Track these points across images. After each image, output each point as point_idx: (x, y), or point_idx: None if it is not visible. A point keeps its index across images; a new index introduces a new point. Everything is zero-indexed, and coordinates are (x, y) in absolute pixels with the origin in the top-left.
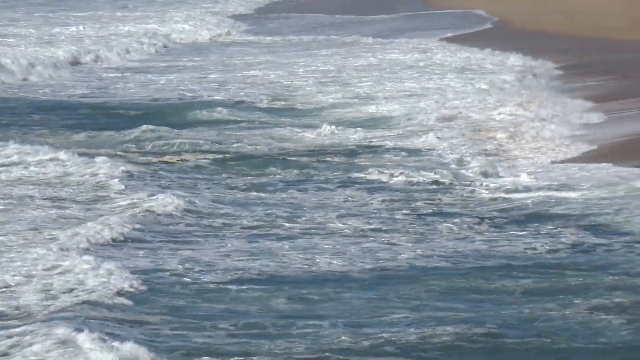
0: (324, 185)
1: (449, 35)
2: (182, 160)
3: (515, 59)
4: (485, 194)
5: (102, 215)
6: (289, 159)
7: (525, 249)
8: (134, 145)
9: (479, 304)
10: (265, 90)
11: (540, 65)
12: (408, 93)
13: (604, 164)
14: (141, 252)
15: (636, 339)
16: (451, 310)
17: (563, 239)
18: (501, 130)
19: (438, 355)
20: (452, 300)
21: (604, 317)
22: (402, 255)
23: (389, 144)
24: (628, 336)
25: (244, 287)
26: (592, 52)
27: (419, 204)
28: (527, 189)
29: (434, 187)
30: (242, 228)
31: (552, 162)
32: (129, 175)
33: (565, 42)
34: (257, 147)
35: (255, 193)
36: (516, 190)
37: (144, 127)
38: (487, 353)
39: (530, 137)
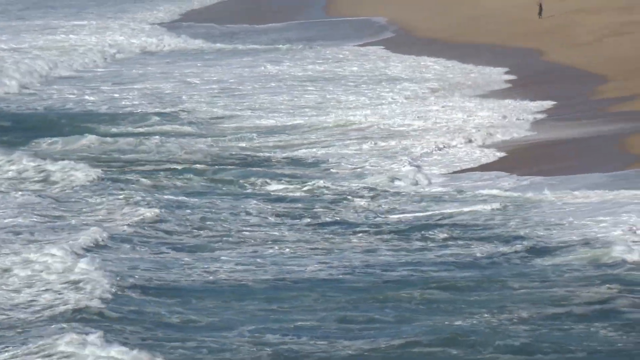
0: (221, 197)
1: (355, 44)
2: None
3: (425, 66)
4: (388, 204)
5: None
6: (184, 167)
7: (427, 259)
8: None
9: (382, 312)
10: (157, 101)
11: (451, 73)
12: (311, 104)
13: (504, 173)
14: None
15: (537, 347)
16: (354, 321)
17: (461, 250)
18: (409, 138)
19: None
20: (355, 310)
21: (509, 326)
22: (306, 266)
23: (288, 154)
24: (530, 345)
25: (147, 298)
26: (497, 58)
27: (320, 214)
28: (429, 198)
29: (336, 197)
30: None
31: (456, 172)
32: None
33: (468, 49)
34: (148, 155)
35: (157, 203)
36: (419, 200)
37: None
38: None
39: (436, 146)
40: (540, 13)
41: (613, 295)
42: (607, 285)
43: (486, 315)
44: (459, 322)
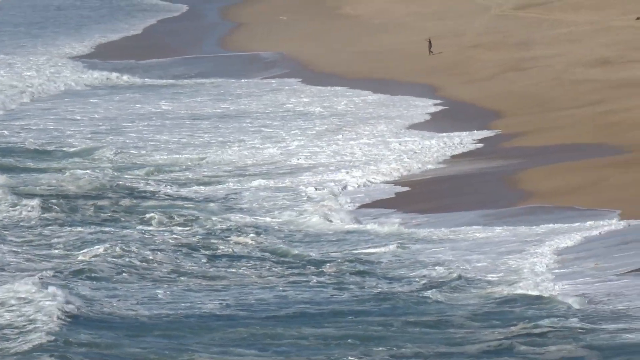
0: (104, 229)
1: (252, 79)
2: None
3: (328, 100)
4: (283, 240)
5: None
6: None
7: (323, 296)
8: None
9: (278, 349)
10: (36, 135)
11: (349, 108)
12: (204, 140)
13: (401, 209)
14: None
15: None
16: (249, 356)
17: (357, 288)
18: (308, 174)
19: None
20: (250, 347)
21: None
22: (201, 301)
23: (182, 190)
24: None
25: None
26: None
27: (215, 250)
28: (327, 235)
29: (230, 228)
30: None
31: (359, 207)
32: None
33: (365, 84)
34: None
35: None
36: (316, 236)
37: None
38: None
39: (339, 181)
40: (430, 49)
41: (508, 334)
42: (501, 323)
43: (385, 351)
44: (360, 357)
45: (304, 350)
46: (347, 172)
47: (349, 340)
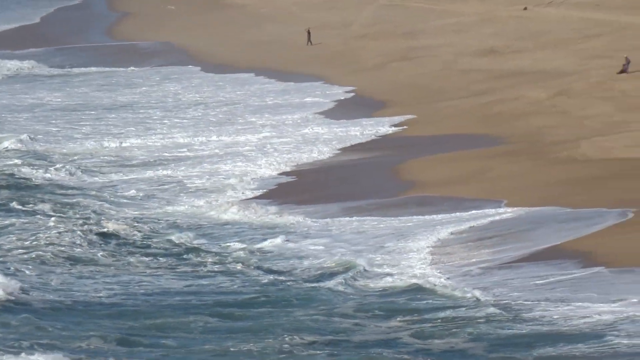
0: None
1: (140, 68)
2: None
3: (221, 89)
4: (172, 230)
5: None
6: None
7: (209, 287)
8: None
9: (163, 340)
10: None
11: (242, 97)
12: (84, 131)
13: (288, 200)
14: None
15: None
16: (140, 344)
17: (245, 278)
18: (196, 164)
19: None
20: (139, 335)
21: (301, 351)
22: (91, 288)
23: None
24: None
25: None
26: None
27: (97, 235)
28: (212, 226)
29: (113, 218)
30: None
31: (248, 198)
32: None
33: (256, 73)
34: None
35: None
36: (197, 227)
37: None
38: None
39: (220, 172)
40: (309, 40)
41: (394, 325)
42: (386, 314)
43: (274, 340)
44: (249, 347)
45: (190, 341)
46: (236, 163)
47: (236, 331)
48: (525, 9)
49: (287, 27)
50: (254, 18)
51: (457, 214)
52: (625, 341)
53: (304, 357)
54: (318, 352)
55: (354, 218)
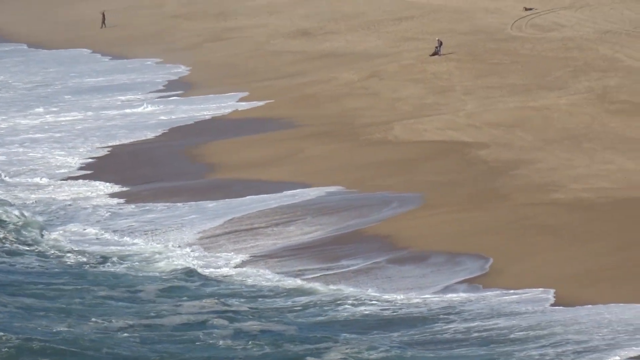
0: None
1: None
2: None
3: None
4: None
5: None
6: None
7: (18, 267)
8: None
9: None
10: None
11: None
12: None
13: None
14: None
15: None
16: None
17: (54, 260)
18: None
19: None
20: None
21: (116, 334)
22: None
23: None
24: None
25: None
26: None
27: None
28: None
29: None
30: None
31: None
32: None
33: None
34: None
35: None
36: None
37: None
38: None
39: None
40: (103, 22)
41: (200, 308)
42: (189, 297)
43: (88, 323)
44: (62, 328)
45: (7, 318)
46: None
47: (47, 312)
48: None
49: (102, 6)
50: None
51: (258, 196)
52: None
53: (125, 339)
54: (128, 335)
55: (151, 203)
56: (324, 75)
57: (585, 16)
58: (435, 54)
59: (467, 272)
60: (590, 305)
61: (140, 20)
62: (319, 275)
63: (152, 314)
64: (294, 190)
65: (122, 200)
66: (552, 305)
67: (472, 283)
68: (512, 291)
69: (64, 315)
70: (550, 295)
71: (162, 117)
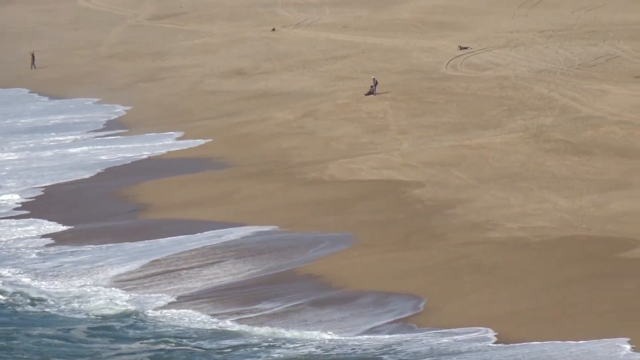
0: None
1: None
2: None
3: None
4: None
5: None
6: None
7: None
8: None
9: None
10: None
11: None
12: None
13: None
14: None
15: None
16: None
17: None
18: None
19: None
20: None
21: None
22: None
23: None
24: None
25: None
26: None
27: None
28: None
29: None
30: None
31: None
32: None
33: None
34: None
35: None
36: None
37: None
38: None
39: None
40: (33, 64)
41: (134, 349)
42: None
43: None
44: None
45: None
46: None
47: None
48: (273, 30)
49: (35, 46)
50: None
51: (189, 236)
52: None
53: None
54: None
55: (81, 245)
56: (260, 114)
57: (521, 55)
58: (370, 93)
59: (398, 312)
60: (531, 343)
61: (75, 61)
62: (242, 317)
63: (87, 355)
64: (226, 229)
65: (52, 241)
66: (494, 343)
67: (406, 322)
68: (449, 330)
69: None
70: (490, 334)
71: (99, 157)
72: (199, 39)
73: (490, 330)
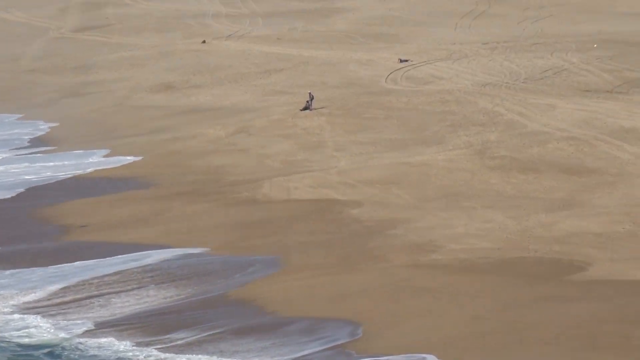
0: None
1: None
2: None
3: None
4: None
5: None
6: None
7: None
8: None
9: None
10: None
11: None
12: None
13: None
14: None
15: None
16: None
17: None
18: None
19: None
20: None
21: None
22: None
23: None
24: None
25: None
26: None
27: None
28: None
29: None
30: None
31: None
32: None
33: None
34: None
35: None
36: None
37: None
38: None
39: None
40: None
41: None
42: None
43: None
44: None
45: None
46: None
47: None
48: (204, 42)
49: None
50: None
51: (111, 259)
52: None
53: None
54: None
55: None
56: (190, 130)
57: (464, 68)
58: (306, 108)
59: (330, 340)
60: None
61: None
62: (159, 347)
63: None
64: (145, 252)
65: None
66: None
67: (344, 349)
68: (389, 357)
69: None
70: None
71: (21, 176)
72: (126, 51)
73: (433, 356)
